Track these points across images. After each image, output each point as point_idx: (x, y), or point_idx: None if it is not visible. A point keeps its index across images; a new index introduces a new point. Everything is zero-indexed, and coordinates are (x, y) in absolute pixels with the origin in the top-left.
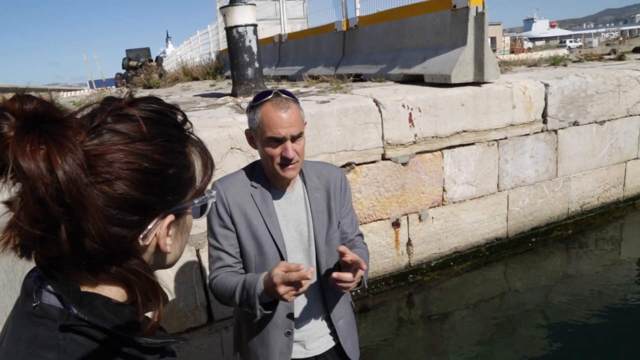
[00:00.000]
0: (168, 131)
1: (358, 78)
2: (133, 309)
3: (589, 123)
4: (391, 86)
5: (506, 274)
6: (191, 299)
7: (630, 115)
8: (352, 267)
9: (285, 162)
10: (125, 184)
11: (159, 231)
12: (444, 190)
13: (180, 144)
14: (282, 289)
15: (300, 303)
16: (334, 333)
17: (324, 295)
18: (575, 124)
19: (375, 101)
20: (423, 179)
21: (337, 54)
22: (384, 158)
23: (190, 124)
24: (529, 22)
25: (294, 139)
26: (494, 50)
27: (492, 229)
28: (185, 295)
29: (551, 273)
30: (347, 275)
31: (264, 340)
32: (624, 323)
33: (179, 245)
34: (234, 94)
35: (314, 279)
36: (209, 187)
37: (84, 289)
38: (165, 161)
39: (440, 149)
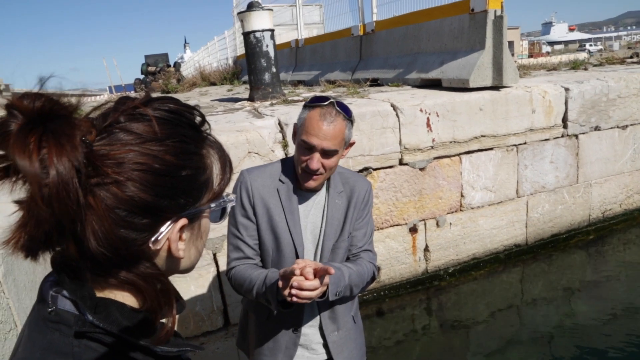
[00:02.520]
0: (183, 132)
1: (375, 83)
2: (148, 315)
3: (611, 128)
4: (408, 91)
5: (524, 282)
6: (208, 303)
7: None
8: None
9: (308, 170)
10: (135, 185)
11: (170, 235)
12: (462, 195)
13: (195, 145)
14: (285, 291)
15: (307, 305)
16: (326, 345)
17: (319, 304)
18: (597, 128)
19: (392, 106)
20: (441, 184)
21: (353, 58)
22: (401, 163)
23: (209, 125)
24: (547, 26)
25: (325, 152)
26: (512, 55)
27: (510, 236)
28: (202, 298)
29: (571, 281)
30: (307, 283)
31: (272, 333)
32: None
33: (195, 249)
34: (251, 99)
35: None
36: (229, 185)
37: (100, 294)
38: (178, 163)
39: (459, 154)
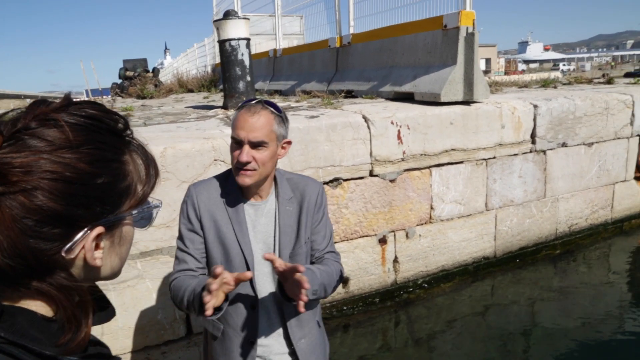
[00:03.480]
0: (100, 138)
1: (350, 94)
2: (61, 324)
3: (578, 145)
4: (381, 103)
5: (493, 294)
6: (170, 311)
7: (618, 138)
8: (291, 276)
9: (239, 165)
10: (44, 194)
11: (85, 244)
12: (431, 208)
13: (114, 152)
14: (213, 285)
15: (263, 316)
16: (294, 353)
17: (284, 311)
18: (564, 145)
19: (364, 117)
20: (411, 196)
21: (330, 70)
22: (371, 174)
23: (131, 130)
24: (523, 45)
25: (253, 145)
26: (489, 71)
27: (479, 248)
28: (163, 307)
29: (538, 294)
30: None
31: (227, 349)
32: (611, 345)
33: (117, 257)
34: (225, 107)
35: (274, 297)
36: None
37: (9, 303)
38: (93, 170)
39: (429, 167)
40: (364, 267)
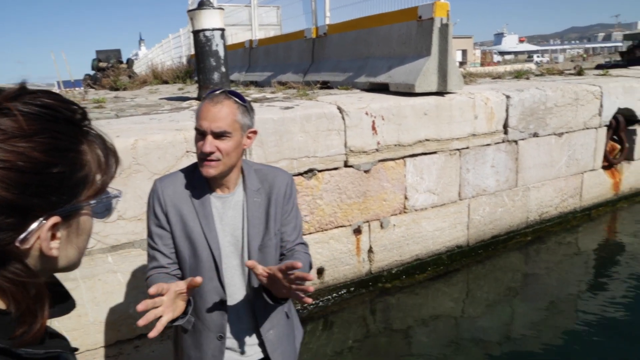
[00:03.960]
0: (56, 127)
1: (325, 85)
2: (16, 317)
3: (548, 135)
4: (357, 94)
5: (467, 282)
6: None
7: (587, 128)
8: (285, 273)
9: (203, 156)
10: None
11: (41, 234)
12: (405, 198)
13: (71, 141)
14: (139, 306)
15: (232, 309)
16: (262, 344)
17: (253, 304)
18: (535, 135)
19: (339, 108)
20: (385, 186)
21: (306, 60)
22: (346, 165)
23: (89, 120)
24: (499, 37)
25: (216, 135)
26: (465, 63)
27: (453, 237)
28: (136, 300)
29: (510, 281)
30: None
31: (197, 342)
32: (581, 330)
33: (74, 248)
34: (199, 98)
35: (243, 290)
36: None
37: None
38: (48, 160)
39: (403, 157)
40: (339, 257)
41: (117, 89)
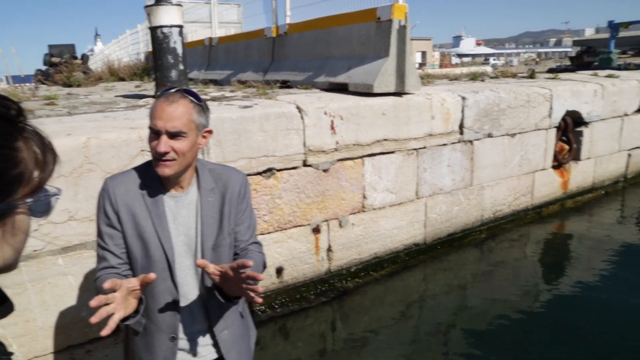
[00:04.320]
0: None
1: (285, 85)
2: None
3: (502, 135)
4: (316, 94)
5: (425, 279)
6: (94, 308)
7: (538, 129)
8: (236, 273)
9: (158, 156)
10: None
11: None
12: (364, 197)
13: (4, 138)
14: (92, 302)
15: (185, 310)
16: (216, 344)
17: (206, 304)
18: (490, 135)
19: (298, 108)
20: (344, 185)
21: (266, 59)
22: (305, 164)
23: (25, 116)
24: (457, 39)
25: (171, 135)
26: (425, 64)
27: (410, 235)
28: (88, 304)
29: (466, 277)
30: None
31: (148, 344)
32: (532, 321)
33: (10, 247)
34: (156, 96)
35: (197, 290)
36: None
37: None
38: None
39: (361, 157)
40: (298, 256)
41: (70, 86)
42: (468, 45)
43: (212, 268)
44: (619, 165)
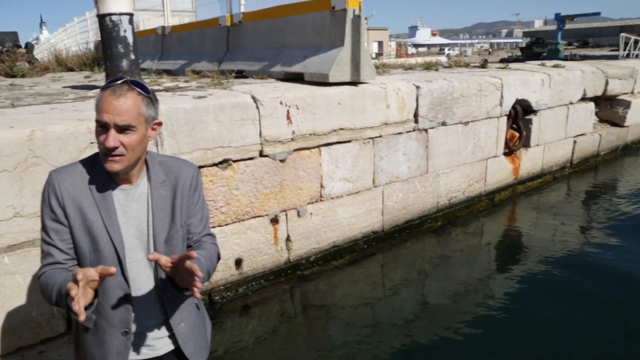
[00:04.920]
0: None
1: (241, 74)
2: None
3: (455, 123)
4: (272, 83)
5: (383, 266)
6: (46, 307)
7: (490, 118)
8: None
9: (106, 151)
10: None
11: None
12: (321, 186)
13: None
14: (72, 291)
15: (139, 304)
16: (173, 336)
17: (162, 297)
18: (444, 124)
19: (253, 98)
20: (301, 175)
21: (221, 49)
22: (262, 155)
23: None
24: (413, 30)
25: (119, 129)
26: (382, 54)
27: (368, 223)
28: (39, 303)
29: (424, 262)
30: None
31: (100, 340)
32: (488, 304)
33: None
34: (102, 87)
35: (150, 283)
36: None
37: None
38: None
39: (318, 146)
40: (257, 247)
41: (14, 76)
42: (424, 35)
43: (164, 260)
44: (566, 152)
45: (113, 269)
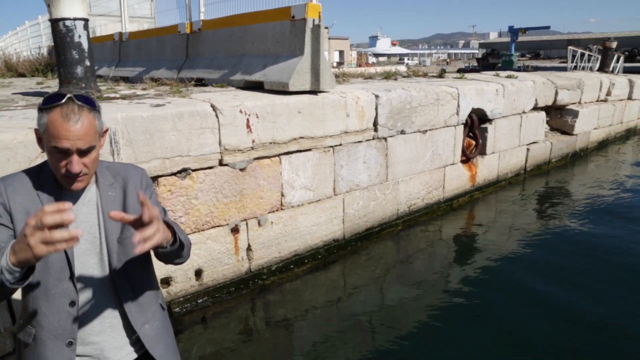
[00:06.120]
0: None
1: (200, 82)
2: None
3: (414, 132)
4: (231, 92)
5: (345, 273)
6: None
7: (447, 126)
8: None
9: (71, 175)
10: None
11: None
12: (282, 195)
13: None
14: (32, 240)
15: (90, 310)
16: (137, 341)
17: (119, 298)
18: (402, 132)
19: (212, 106)
20: (261, 184)
21: (180, 56)
22: (221, 164)
23: None
24: (373, 39)
25: (81, 152)
26: (343, 63)
27: (329, 231)
28: None
29: (385, 268)
30: (148, 232)
31: (40, 355)
32: (445, 307)
33: None
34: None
35: (105, 288)
36: None
37: None
38: None
39: (278, 155)
40: (217, 257)
41: None
42: (384, 45)
43: (127, 216)
44: (520, 159)
45: (68, 204)
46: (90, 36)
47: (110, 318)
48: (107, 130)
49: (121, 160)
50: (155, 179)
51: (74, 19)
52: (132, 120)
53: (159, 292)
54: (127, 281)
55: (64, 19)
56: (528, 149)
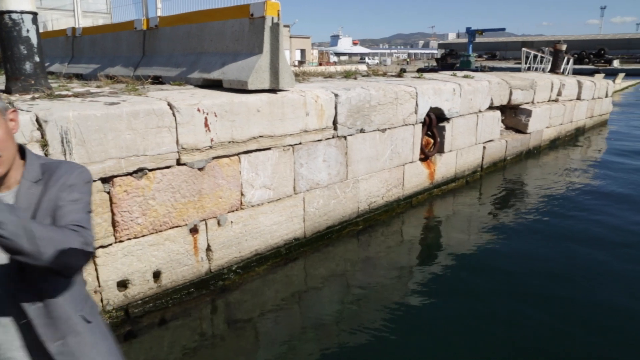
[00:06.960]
0: None
1: (158, 80)
2: None
3: (373, 130)
4: (189, 90)
5: (306, 271)
6: None
7: (406, 125)
8: None
9: None
10: None
11: None
12: (242, 194)
13: None
14: None
15: None
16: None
17: (26, 314)
18: (362, 131)
19: (169, 105)
20: (220, 183)
21: (137, 53)
22: (179, 163)
23: None
24: (335, 38)
25: None
26: (304, 62)
27: (290, 230)
28: None
29: (346, 266)
30: None
31: None
32: (405, 302)
33: None
34: (8, 91)
35: (3, 298)
36: None
37: None
38: None
39: (237, 154)
40: (176, 258)
41: None
42: (345, 44)
43: None
44: (477, 157)
45: None
46: (41, 31)
47: (15, 335)
48: (14, 110)
49: (73, 159)
50: (110, 179)
51: (21, 12)
52: (85, 119)
53: (86, 304)
54: (33, 292)
55: (9, 12)
56: (484, 147)
